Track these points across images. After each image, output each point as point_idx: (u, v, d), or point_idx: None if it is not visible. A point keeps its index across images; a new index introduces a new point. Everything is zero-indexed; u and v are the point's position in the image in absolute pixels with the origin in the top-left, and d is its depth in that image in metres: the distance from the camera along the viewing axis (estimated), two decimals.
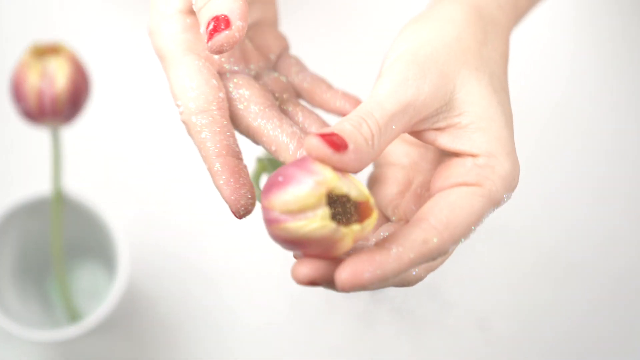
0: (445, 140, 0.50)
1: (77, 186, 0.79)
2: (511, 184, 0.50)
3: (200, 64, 0.52)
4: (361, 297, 0.85)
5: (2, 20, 0.91)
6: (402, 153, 0.55)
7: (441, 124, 0.50)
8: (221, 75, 0.53)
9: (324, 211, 0.44)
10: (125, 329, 0.84)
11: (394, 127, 0.48)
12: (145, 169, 0.88)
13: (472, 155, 0.49)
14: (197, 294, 0.85)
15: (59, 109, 0.69)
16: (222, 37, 0.48)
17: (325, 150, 0.45)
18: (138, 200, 0.87)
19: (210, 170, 0.51)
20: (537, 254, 0.87)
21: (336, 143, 0.45)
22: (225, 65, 0.53)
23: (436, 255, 0.47)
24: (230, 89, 0.53)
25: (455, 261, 0.86)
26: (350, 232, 0.44)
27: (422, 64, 0.49)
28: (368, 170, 0.56)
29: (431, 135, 0.50)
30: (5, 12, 0.92)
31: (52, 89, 0.68)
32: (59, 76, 0.68)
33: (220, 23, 0.48)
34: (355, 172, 0.46)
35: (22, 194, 0.77)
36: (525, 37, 0.87)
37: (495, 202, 0.49)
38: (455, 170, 0.49)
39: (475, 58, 0.51)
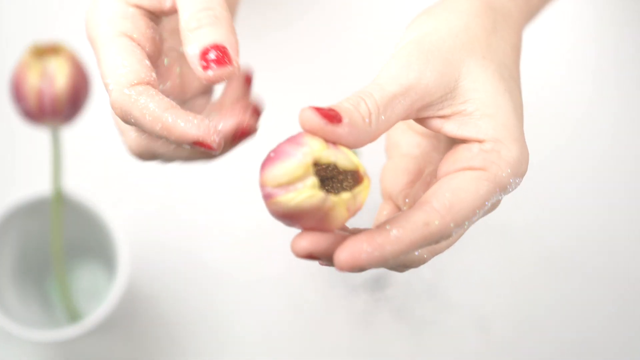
0: (451, 128, 0.50)
1: (77, 186, 0.79)
2: (519, 169, 0.49)
3: (134, 45, 0.50)
4: (361, 297, 0.85)
5: (2, 20, 0.91)
6: (414, 144, 0.55)
7: (446, 112, 0.50)
8: None
9: (312, 181, 0.44)
10: (126, 329, 0.84)
11: (395, 109, 0.48)
12: (145, 168, 0.88)
13: (479, 141, 0.49)
14: (197, 293, 0.85)
15: (59, 109, 0.69)
16: (226, 71, 0.48)
17: (318, 120, 0.45)
18: (138, 200, 0.87)
19: (164, 127, 0.48)
20: (537, 254, 0.87)
21: (330, 115, 0.45)
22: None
23: (438, 238, 0.47)
24: None
25: (455, 261, 0.86)
26: (341, 201, 0.44)
27: (426, 50, 0.49)
28: (381, 161, 0.56)
29: (437, 123, 0.50)
30: (5, 12, 0.92)
31: (52, 89, 0.68)
32: (58, 76, 0.68)
33: (223, 56, 0.48)
34: (351, 147, 0.46)
35: (22, 194, 0.77)
36: (544, 41, 0.87)
37: (501, 187, 0.49)
38: (461, 155, 0.49)
39: (483, 47, 0.51)
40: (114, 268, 0.77)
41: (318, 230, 0.45)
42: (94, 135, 0.88)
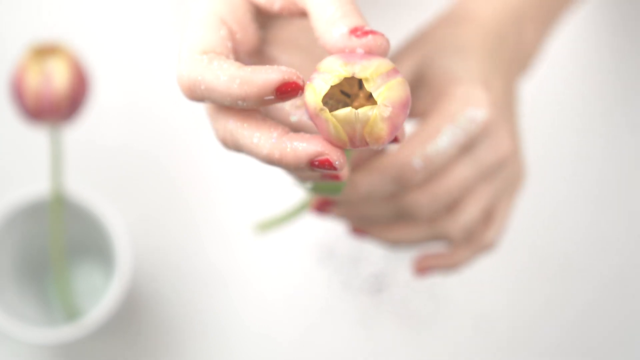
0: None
1: (76, 186, 0.79)
2: (467, 102, 0.58)
3: (222, 26, 0.48)
4: (361, 298, 0.85)
5: (2, 20, 0.91)
6: None
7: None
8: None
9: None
10: (126, 331, 0.84)
11: None
12: (145, 169, 0.88)
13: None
14: (197, 295, 0.85)
15: (58, 109, 0.69)
16: (380, 39, 0.46)
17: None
18: (138, 201, 0.87)
19: (243, 82, 0.44)
20: (537, 254, 0.87)
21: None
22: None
23: (399, 169, 0.57)
24: None
25: None
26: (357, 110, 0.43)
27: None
28: None
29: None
30: (5, 12, 0.92)
31: (51, 89, 0.68)
32: (58, 76, 0.68)
33: (374, 31, 0.46)
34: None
35: (22, 194, 0.77)
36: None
37: (448, 118, 0.58)
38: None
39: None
40: (114, 269, 0.77)
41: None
42: (94, 135, 0.88)
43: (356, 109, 0.43)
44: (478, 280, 0.86)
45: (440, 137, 0.57)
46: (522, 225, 0.87)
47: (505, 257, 0.87)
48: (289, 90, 0.44)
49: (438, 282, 0.86)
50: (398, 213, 0.59)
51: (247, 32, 0.49)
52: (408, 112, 0.44)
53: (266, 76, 0.44)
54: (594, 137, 0.91)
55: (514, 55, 0.63)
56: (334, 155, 0.44)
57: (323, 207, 0.60)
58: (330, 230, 0.86)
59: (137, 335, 0.84)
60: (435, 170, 0.58)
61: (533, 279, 0.87)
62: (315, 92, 0.43)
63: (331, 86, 0.43)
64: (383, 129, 0.43)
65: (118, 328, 0.84)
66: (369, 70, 0.43)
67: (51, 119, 0.69)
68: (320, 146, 0.44)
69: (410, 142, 0.57)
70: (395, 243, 0.61)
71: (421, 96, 0.61)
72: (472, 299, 0.86)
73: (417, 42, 0.62)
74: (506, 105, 0.60)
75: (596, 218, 0.89)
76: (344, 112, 0.43)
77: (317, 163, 0.45)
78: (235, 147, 0.47)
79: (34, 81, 0.68)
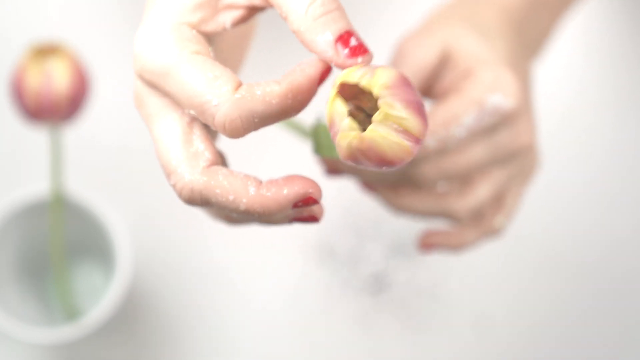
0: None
1: (76, 186, 0.79)
2: (495, 87, 0.55)
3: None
4: (361, 298, 0.85)
5: (2, 20, 0.91)
6: None
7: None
8: None
9: (347, 122, 0.40)
10: (126, 331, 0.84)
11: None
12: (145, 169, 0.88)
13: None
14: (197, 295, 0.85)
15: (59, 109, 0.69)
16: (369, 58, 0.43)
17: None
18: (138, 201, 0.87)
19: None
20: (538, 254, 0.87)
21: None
22: None
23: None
24: None
25: (455, 261, 0.86)
26: (378, 130, 0.40)
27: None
28: None
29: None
30: (5, 12, 0.92)
31: (52, 89, 0.68)
32: (58, 76, 0.68)
33: (360, 42, 0.43)
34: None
35: (22, 194, 0.77)
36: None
37: (474, 102, 0.55)
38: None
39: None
40: (114, 269, 0.77)
41: (387, 164, 0.41)
42: (94, 136, 0.88)
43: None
44: (478, 281, 0.86)
45: (460, 121, 0.55)
46: (523, 225, 0.87)
47: (506, 257, 0.87)
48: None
49: (438, 282, 0.86)
50: (406, 180, 0.58)
51: None
52: (414, 87, 0.41)
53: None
54: (603, 137, 0.91)
55: (530, 41, 0.61)
56: (316, 191, 0.43)
57: (334, 170, 0.59)
58: (330, 230, 0.86)
59: (137, 335, 0.84)
60: (447, 150, 0.57)
61: (534, 279, 0.87)
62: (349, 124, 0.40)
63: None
64: (400, 110, 0.40)
65: (118, 328, 0.84)
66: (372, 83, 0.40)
67: (51, 119, 0.69)
68: (299, 186, 0.43)
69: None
70: (400, 209, 0.60)
71: (446, 75, 0.58)
72: (472, 299, 0.86)
73: (439, 20, 0.59)
74: (528, 93, 0.59)
75: (604, 220, 0.89)
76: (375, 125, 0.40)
77: (300, 204, 0.43)
78: (204, 204, 0.45)
79: (34, 81, 0.68)
